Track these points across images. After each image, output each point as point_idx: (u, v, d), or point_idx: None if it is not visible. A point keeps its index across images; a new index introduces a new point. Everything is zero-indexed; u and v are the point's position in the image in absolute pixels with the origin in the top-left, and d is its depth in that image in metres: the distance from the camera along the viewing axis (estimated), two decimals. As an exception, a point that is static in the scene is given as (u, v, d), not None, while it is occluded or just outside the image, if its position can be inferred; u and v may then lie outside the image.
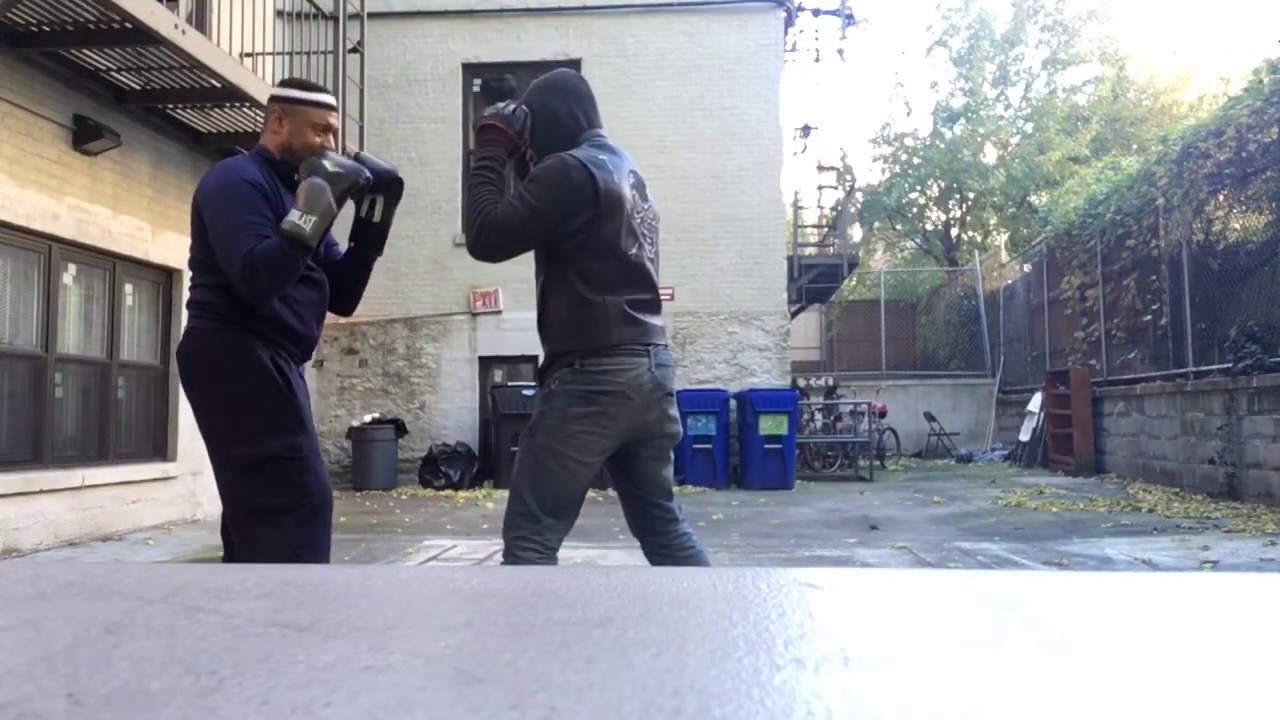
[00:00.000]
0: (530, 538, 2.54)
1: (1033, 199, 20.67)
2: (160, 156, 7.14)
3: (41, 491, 5.89)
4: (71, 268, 6.46)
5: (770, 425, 9.67)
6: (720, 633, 0.71)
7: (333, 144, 2.74)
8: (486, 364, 10.91)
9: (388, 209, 2.78)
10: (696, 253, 10.69)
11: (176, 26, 5.61)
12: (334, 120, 2.72)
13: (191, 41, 5.79)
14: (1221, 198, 8.57)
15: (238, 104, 6.76)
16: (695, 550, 2.73)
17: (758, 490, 9.44)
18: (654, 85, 10.88)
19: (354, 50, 8.25)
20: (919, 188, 22.18)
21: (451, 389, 10.86)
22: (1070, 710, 0.54)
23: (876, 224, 23.53)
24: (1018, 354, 14.81)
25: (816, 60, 16.47)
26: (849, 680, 0.59)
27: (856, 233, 22.74)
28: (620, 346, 2.55)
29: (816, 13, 14.78)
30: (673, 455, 2.81)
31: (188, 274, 2.74)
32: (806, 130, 19.57)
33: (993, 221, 22.70)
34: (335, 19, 7.83)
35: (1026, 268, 14.99)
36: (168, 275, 7.43)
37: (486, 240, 2.55)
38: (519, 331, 10.46)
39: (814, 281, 13.82)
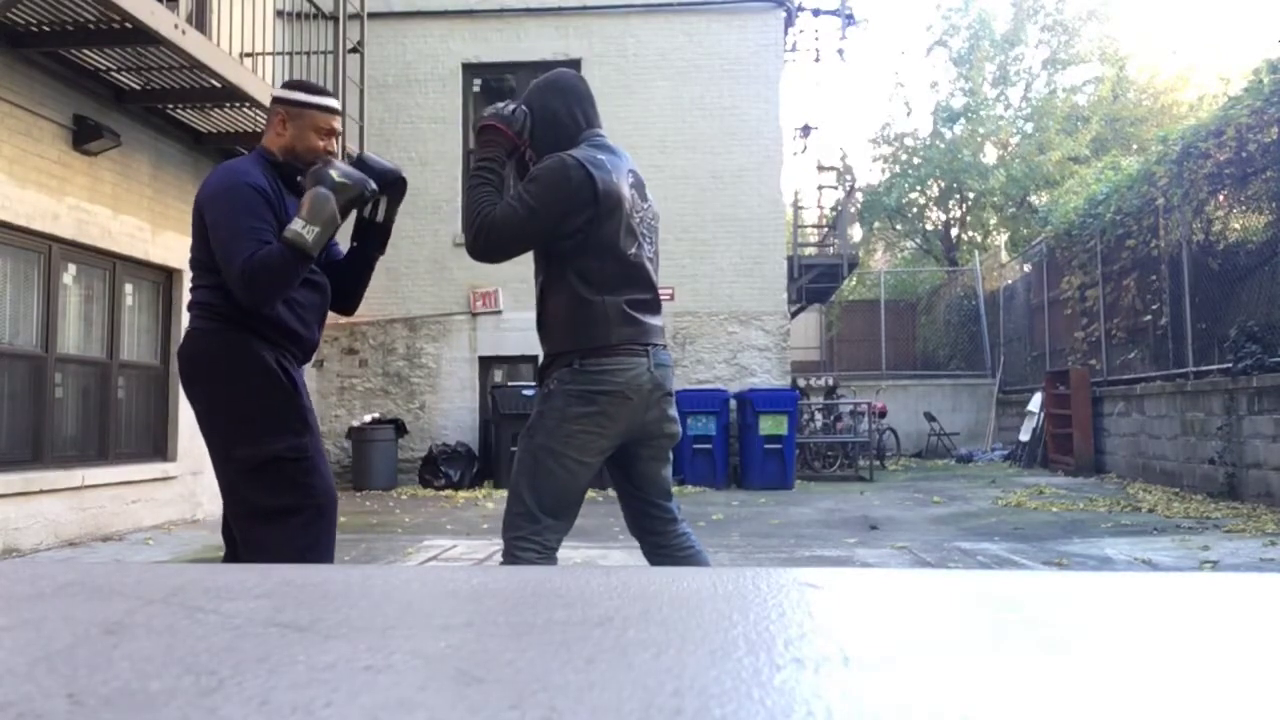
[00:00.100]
0: (530, 538, 2.54)
1: (1033, 199, 20.67)
2: (160, 156, 7.14)
3: (41, 491, 5.89)
4: (71, 268, 6.46)
5: (770, 425, 9.67)
6: (720, 633, 0.71)
7: (335, 147, 2.73)
8: (486, 364, 10.91)
9: (391, 208, 2.77)
10: (696, 253, 10.69)
11: (176, 26, 5.61)
12: (338, 124, 2.71)
13: (191, 41, 5.79)
14: (1221, 198, 8.57)
15: (238, 104, 6.76)
16: (695, 550, 2.73)
17: (758, 490, 9.44)
18: (654, 85, 10.88)
19: (354, 50, 8.25)
20: (919, 188, 22.18)
21: (451, 389, 10.86)
22: (1070, 710, 0.54)
23: (876, 224, 23.53)
24: (1018, 354, 14.81)
25: (816, 60, 16.47)
26: (849, 680, 0.59)
27: (856, 233, 22.75)
28: (619, 346, 2.55)
29: (816, 13, 14.79)
30: (672, 455, 2.81)
31: (188, 274, 2.73)
32: (806, 130, 19.58)
33: (993, 221, 22.71)
34: (335, 19, 7.83)
35: (1026, 268, 15.00)
36: (168, 275, 7.43)
37: (486, 241, 2.55)
38: (519, 331, 10.46)
39: (814, 281, 13.82)
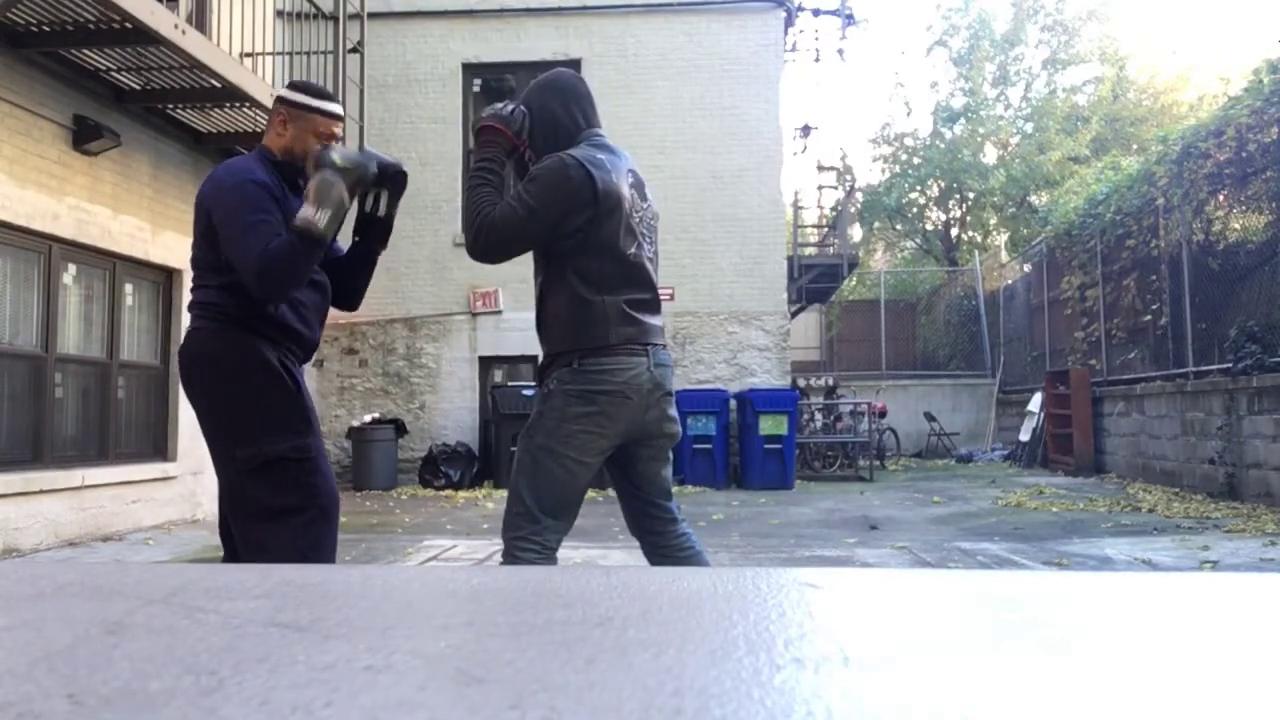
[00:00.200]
0: (529, 538, 2.54)
1: (1033, 199, 20.67)
2: (160, 156, 7.14)
3: (41, 491, 5.89)
4: (71, 268, 6.46)
5: (770, 425, 9.68)
6: (720, 633, 0.71)
7: None
8: (486, 364, 10.91)
9: (391, 202, 2.77)
10: (696, 253, 10.69)
11: (176, 26, 5.62)
12: (338, 130, 2.70)
13: (191, 41, 5.79)
14: (1221, 198, 8.57)
15: (238, 104, 6.76)
16: (695, 550, 2.73)
17: (758, 490, 9.44)
18: (654, 85, 10.88)
19: (354, 50, 8.25)
20: (919, 188, 22.19)
21: (451, 389, 10.86)
22: (1070, 710, 0.54)
23: (876, 224, 23.53)
24: (1018, 354, 14.81)
25: (816, 60, 16.47)
26: (849, 680, 0.59)
27: (856, 233, 22.75)
28: (619, 346, 2.54)
29: (816, 13, 14.79)
30: (671, 455, 2.81)
31: (188, 274, 2.72)
32: (806, 130, 19.58)
33: (993, 221, 22.71)
34: (335, 19, 7.83)
35: (1026, 268, 15.00)
36: (168, 275, 7.43)
37: (485, 241, 2.55)
38: (519, 331, 10.46)
39: (814, 281, 13.83)
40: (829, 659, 0.63)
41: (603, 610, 0.78)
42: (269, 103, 6.27)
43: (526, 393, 9.28)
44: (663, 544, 2.72)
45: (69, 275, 6.45)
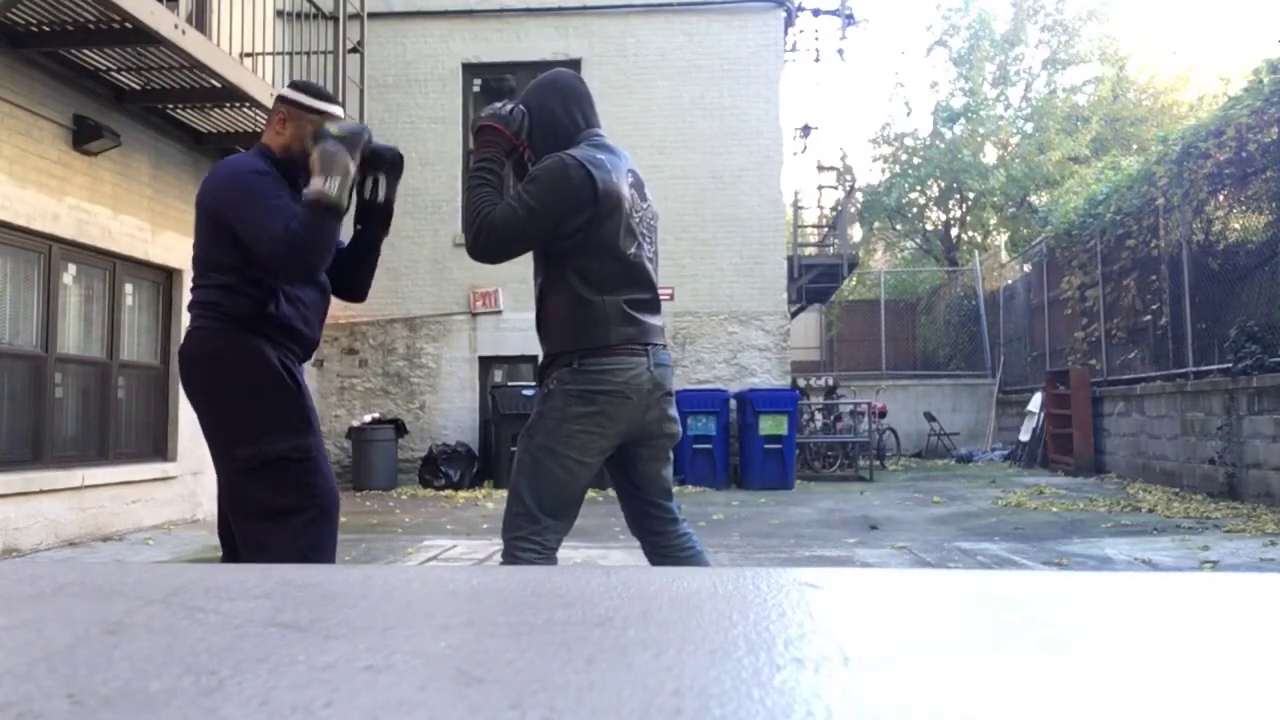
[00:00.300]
0: (529, 538, 2.54)
1: (1033, 199, 20.67)
2: (160, 156, 7.14)
3: (41, 491, 5.89)
4: (71, 268, 6.46)
5: (770, 425, 9.68)
6: (720, 633, 0.71)
7: None
8: (486, 364, 10.91)
9: (390, 187, 2.78)
10: (696, 253, 10.69)
11: (176, 26, 5.62)
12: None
13: (191, 41, 5.79)
14: (1221, 198, 8.57)
15: (238, 104, 6.76)
16: (695, 550, 2.73)
17: (758, 490, 9.44)
18: (654, 85, 10.88)
19: (354, 50, 8.25)
20: (919, 188, 22.19)
21: (451, 389, 10.86)
22: (1070, 710, 0.54)
23: (876, 224, 23.54)
24: (1018, 354, 14.81)
25: (816, 60, 16.48)
26: (849, 680, 0.59)
27: (856, 233, 22.75)
28: (619, 346, 2.54)
29: (816, 13, 14.79)
30: (672, 455, 2.81)
31: (188, 274, 2.73)
32: (806, 130, 19.58)
33: (993, 221, 22.71)
34: (335, 19, 7.83)
35: (1026, 268, 15.00)
36: (168, 275, 7.43)
37: (485, 241, 2.55)
38: (519, 331, 10.46)
39: (814, 281, 13.83)
40: (829, 659, 0.63)
41: (603, 610, 0.78)
42: (269, 103, 6.27)
43: (526, 393, 9.28)
44: (663, 544, 2.72)
45: (69, 275, 6.45)
